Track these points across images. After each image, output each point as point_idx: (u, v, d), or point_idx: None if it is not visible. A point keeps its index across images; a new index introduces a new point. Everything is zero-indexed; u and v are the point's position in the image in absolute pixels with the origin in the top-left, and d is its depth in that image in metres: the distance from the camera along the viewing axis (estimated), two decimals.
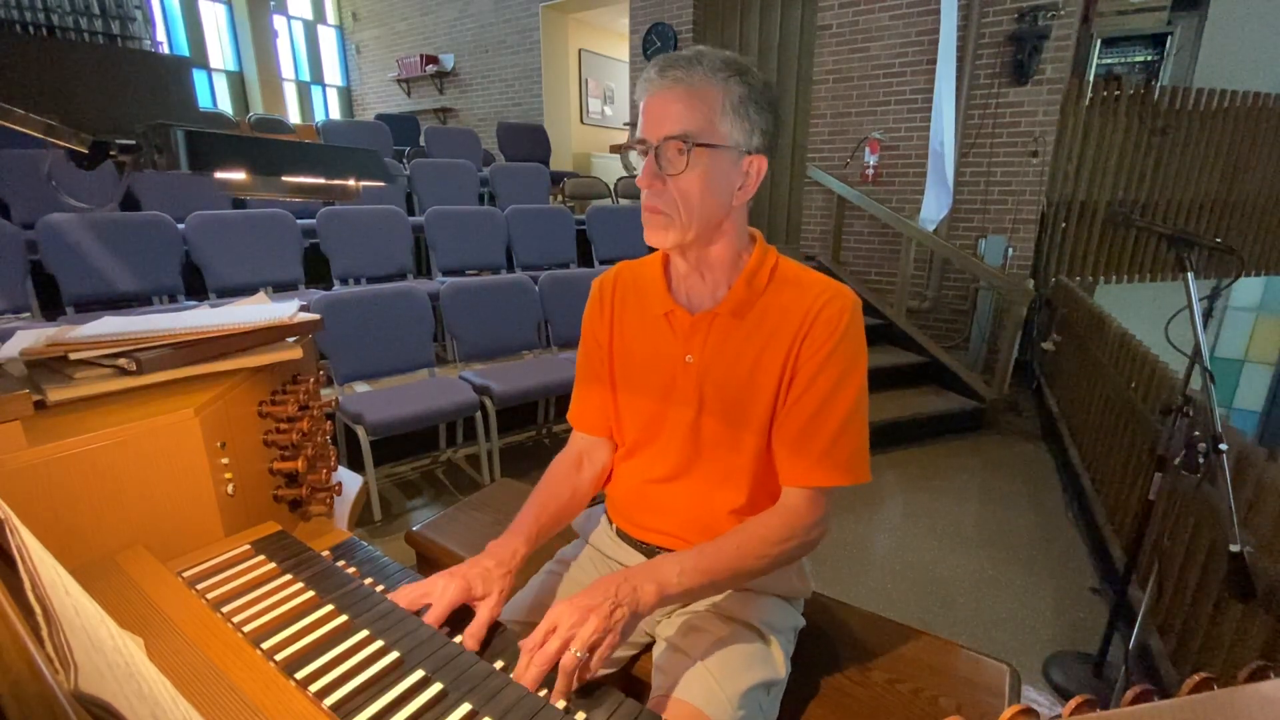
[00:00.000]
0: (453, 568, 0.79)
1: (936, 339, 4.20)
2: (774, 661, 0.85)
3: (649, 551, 0.95)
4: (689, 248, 0.84)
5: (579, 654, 0.63)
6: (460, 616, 0.74)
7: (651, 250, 0.91)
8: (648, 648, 0.97)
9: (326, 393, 1.12)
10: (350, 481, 1.14)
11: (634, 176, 0.80)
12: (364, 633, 0.67)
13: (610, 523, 1.01)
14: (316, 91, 9.02)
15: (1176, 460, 1.46)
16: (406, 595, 0.74)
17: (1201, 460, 1.40)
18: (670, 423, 0.90)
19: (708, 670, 0.79)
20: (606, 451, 1.01)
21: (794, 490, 0.84)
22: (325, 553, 0.83)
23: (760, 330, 0.84)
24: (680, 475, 0.91)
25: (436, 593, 0.74)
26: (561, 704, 0.61)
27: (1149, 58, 5.45)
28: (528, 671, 0.63)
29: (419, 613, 0.72)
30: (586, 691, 0.64)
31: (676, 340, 0.88)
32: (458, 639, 0.68)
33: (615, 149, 7.90)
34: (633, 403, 0.93)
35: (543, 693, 0.62)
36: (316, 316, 1.04)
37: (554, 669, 0.63)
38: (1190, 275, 1.49)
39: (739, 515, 0.89)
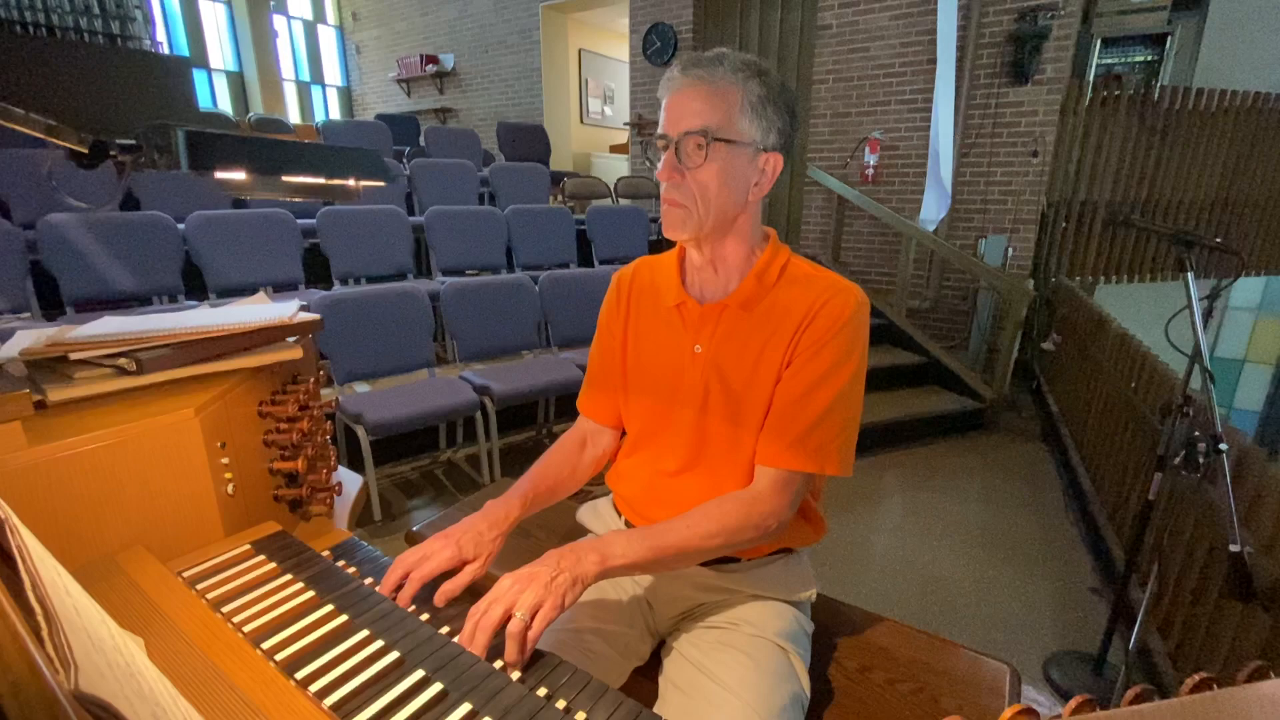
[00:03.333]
0: (448, 529, 0.83)
1: (936, 339, 4.20)
2: (799, 676, 0.85)
3: None
4: (705, 241, 0.86)
5: (521, 616, 0.65)
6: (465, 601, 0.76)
7: (671, 245, 0.94)
8: (653, 651, 0.97)
9: (326, 393, 1.12)
10: (350, 481, 1.13)
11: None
12: (364, 633, 0.67)
13: (619, 514, 1.03)
14: (316, 91, 9.02)
15: (1176, 460, 1.46)
16: (407, 559, 0.77)
17: (1201, 460, 1.40)
18: (677, 414, 0.91)
19: (739, 698, 0.78)
20: (609, 438, 1.04)
21: (763, 472, 0.84)
22: (325, 553, 0.83)
23: (766, 324, 0.86)
24: (688, 469, 0.92)
25: (431, 555, 0.78)
26: (562, 704, 0.61)
27: (1149, 58, 5.46)
28: (475, 639, 0.65)
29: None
30: (587, 691, 0.64)
31: (687, 331, 0.90)
32: (458, 639, 0.68)
33: (615, 149, 7.91)
34: (642, 394, 0.95)
35: (542, 692, 0.62)
36: (316, 316, 1.04)
37: (502, 639, 0.65)
38: (1190, 275, 1.49)
39: None
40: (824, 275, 0.87)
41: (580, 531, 1.11)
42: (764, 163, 0.82)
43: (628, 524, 1.00)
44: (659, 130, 0.83)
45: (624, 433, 1.05)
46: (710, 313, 0.88)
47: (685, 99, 0.79)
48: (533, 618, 0.66)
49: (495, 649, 0.69)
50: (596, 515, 1.08)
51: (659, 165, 0.83)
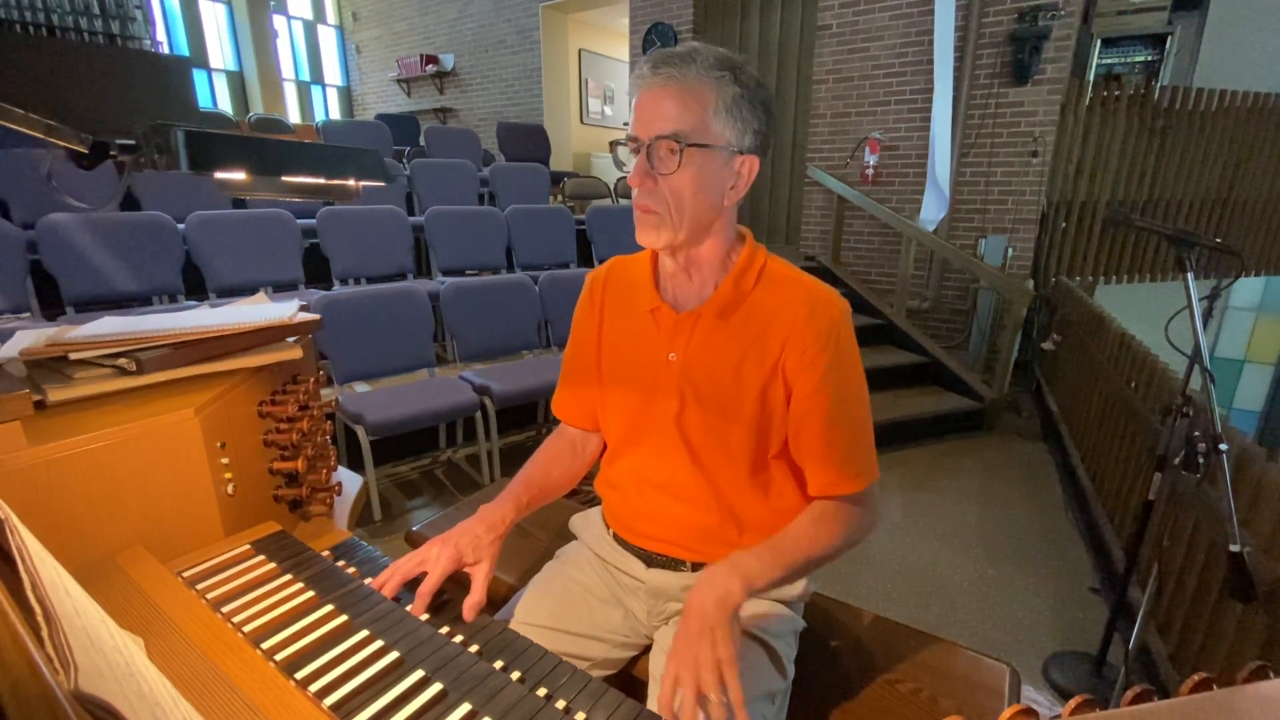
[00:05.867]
0: (445, 534, 0.84)
1: (936, 339, 4.20)
2: (775, 670, 0.85)
3: (648, 557, 0.94)
4: (679, 248, 0.83)
5: (719, 701, 0.65)
6: (444, 598, 0.79)
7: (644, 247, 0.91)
8: (647, 649, 0.97)
9: (326, 393, 1.12)
10: (350, 481, 1.14)
11: (625, 175, 0.81)
12: (364, 633, 0.67)
13: (608, 528, 1.00)
14: (316, 91, 9.02)
15: (1176, 460, 1.46)
16: (404, 565, 0.78)
17: (1201, 460, 1.40)
18: (655, 422, 0.89)
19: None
20: (597, 440, 1.03)
21: (830, 498, 0.84)
22: (325, 553, 0.83)
23: (745, 332, 0.83)
24: (674, 481, 0.89)
25: (430, 561, 0.79)
26: (562, 704, 0.61)
27: (1149, 58, 5.45)
28: None
29: (413, 582, 0.77)
30: (587, 691, 0.64)
31: (661, 337, 0.87)
32: (458, 638, 0.68)
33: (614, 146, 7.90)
34: (618, 398, 0.93)
35: (541, 692, 0.62)
36: (316, 316, 1.04)
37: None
38: (1190, 275, 1.49)
39: (736, 522, 0.88)
40: (802, 282, 0.84)
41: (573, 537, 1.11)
42: (740, 166, 0.79)
43: (615, 536, 0.98)
44: (629, 131, 0.79)
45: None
46: (685, 321, 0.85)
47: (656, 99, 0.76)
48: (724, 685, 0.66)
49: (492, 649, 0.69)
50: (587, 524, 1.06)
51: (628, 168, 0.79)
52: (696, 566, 0.91)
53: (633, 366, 0.91)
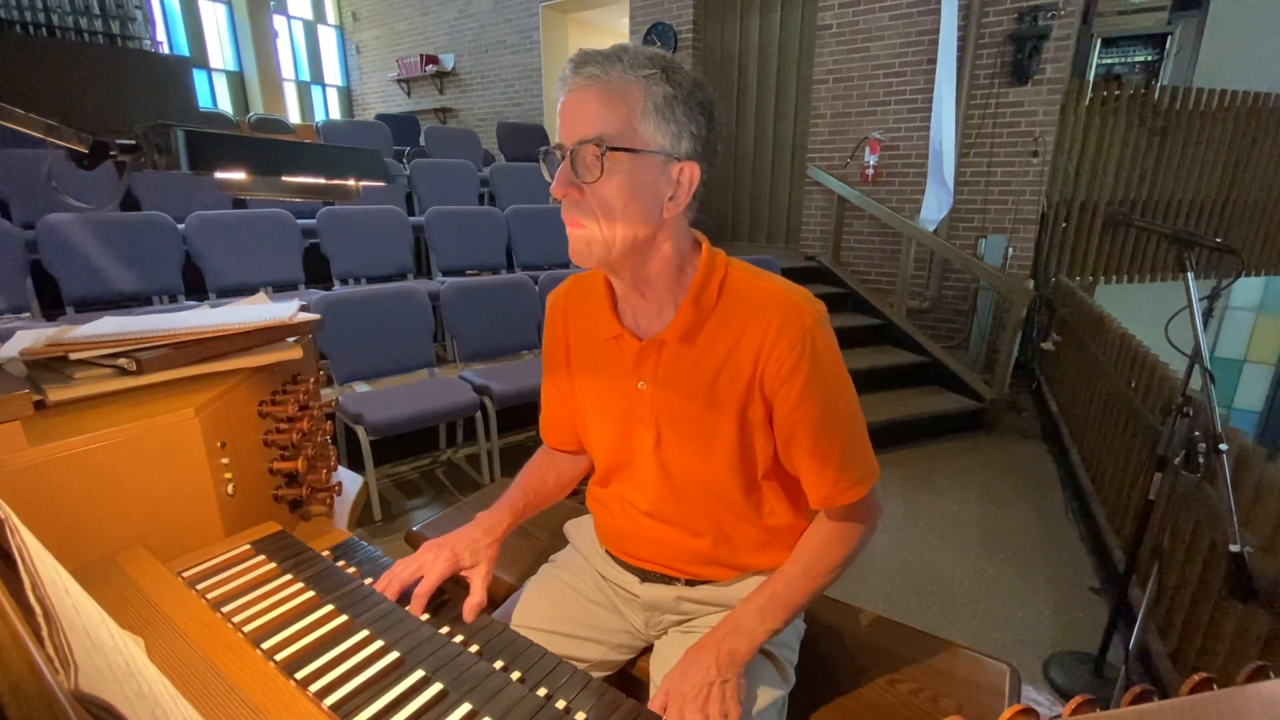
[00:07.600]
0: (442, 538, 0.84)
1: (936, 339, 4.20)
2: (780, 679, 0.84)
3: (643, 574, 0.92)
4: (620, 267, 0.76)
5: None
6: (444, 599, 0.79)
7: None
8: (647, 649, 0.97)
9: (326, 393, 1.12)
10: (350, 481, 1.14)
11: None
12: (364, 633, 0.67)
13: (599, 542, 0.99)
14: (316, 91, 9.02)
15: (1176, 460, 1.46)
16: (401, 572, 0.78)
17: (1201, 460, 1.40)
18: (635, 452, 0.86)
19: None
20: (589, 457, 1.01)
21: (834, 510, 0.83)
22: (325, 553, 0.83)
23: (714, 352, 0.78)
24: (661, 508, 0.87)
25: (427, 565, 0.79)
26: (562, 704, 0.61)
27: (1149, 58, 5.46)
28: None
29: (411, 586, 0.77)
30: (587, 691, 0.64)
31: (626, 365, 0.83)
32: (458, 638, 0.68)
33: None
34: (596, 429, 0.90)
35: (542, 692, 0.62)
36: (316, 316, 1.04)
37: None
38: (1190, 275, 1.49)
39: (729, 544, 0.87)
40: (768, 288, 0.77)
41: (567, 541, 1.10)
42: (677, 173, 0.72)
43: (608, 553, 0.97)
44: (555, 139, 0.72)
45: None
46: (649, 349, 0.80)
47: (579, 101, 0.69)
48: None
49: (492, 649, 0.69)
50: (580, 532, 1.05)
51: (551, 180, 0.73)
52: (691, 582, 0.90)
53: (605, 396, 0.87)
